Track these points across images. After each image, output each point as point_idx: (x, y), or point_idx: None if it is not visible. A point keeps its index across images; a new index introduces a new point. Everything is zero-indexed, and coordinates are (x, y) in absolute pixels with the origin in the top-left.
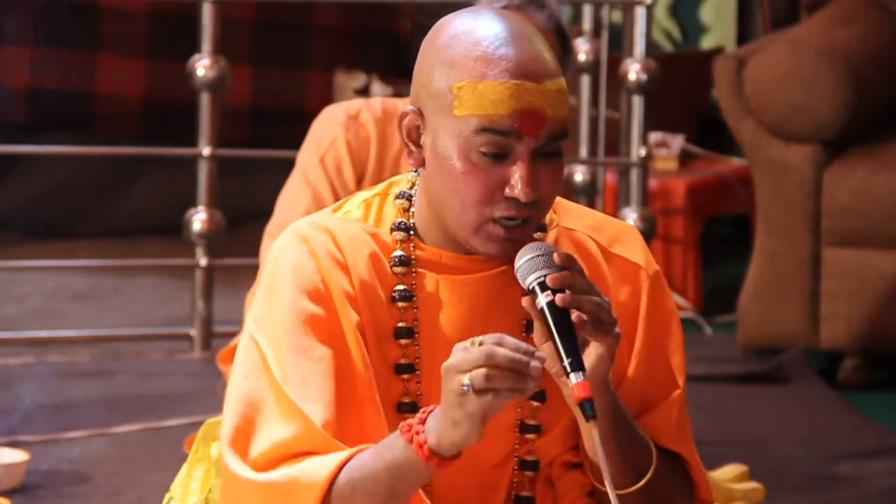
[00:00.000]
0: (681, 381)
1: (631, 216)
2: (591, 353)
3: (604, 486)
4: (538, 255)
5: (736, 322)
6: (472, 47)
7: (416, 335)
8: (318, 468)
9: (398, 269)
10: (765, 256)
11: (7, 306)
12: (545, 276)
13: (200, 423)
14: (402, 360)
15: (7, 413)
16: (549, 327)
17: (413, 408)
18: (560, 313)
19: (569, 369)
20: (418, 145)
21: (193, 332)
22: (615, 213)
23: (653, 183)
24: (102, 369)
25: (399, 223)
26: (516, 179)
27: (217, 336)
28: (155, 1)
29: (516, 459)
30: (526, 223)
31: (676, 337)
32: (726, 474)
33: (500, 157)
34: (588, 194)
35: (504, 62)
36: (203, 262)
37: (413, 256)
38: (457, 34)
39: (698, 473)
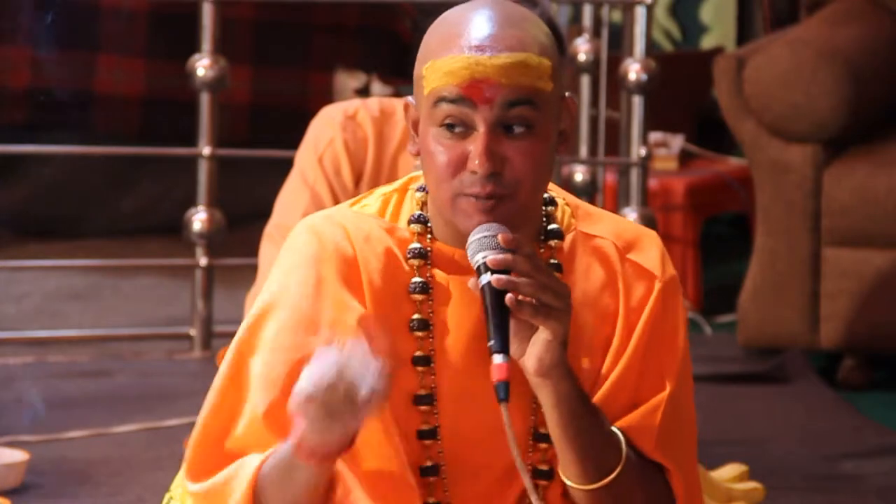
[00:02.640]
0: (669, 386)
1: (631, 216)
2: (539, 339)
3: (567, 479)
4: (486, 236)
5: (736, 322)
6: (441, 32)
7: (432, 327)
8: (242, 474)
9: (415, 262)
10: (765, 256)
11: (7, 306)
12: (489, 256)
13: None
14: (419, 353)
15: (7, 413)
16: (484, 308)
17: (430, 400)
18: (497, 295)
19: (491, 350)
20: (419, 135)
21: (193, 332)
22: (615, 212)
23: (653, 183)
24: (102, 369)
25: (417, 216)
26: (474, 152)
27: (217, 336)
28: (155, 1)
29: (530, 468)
30: (500, 199)
31: (676, 344)
32: (726, 474)
33: (460, 129)
34: (588, 194)
35: (462, 40)
36: (203, 261)
37: (429, 248)
38: (438, 24)
39: (679, 483)
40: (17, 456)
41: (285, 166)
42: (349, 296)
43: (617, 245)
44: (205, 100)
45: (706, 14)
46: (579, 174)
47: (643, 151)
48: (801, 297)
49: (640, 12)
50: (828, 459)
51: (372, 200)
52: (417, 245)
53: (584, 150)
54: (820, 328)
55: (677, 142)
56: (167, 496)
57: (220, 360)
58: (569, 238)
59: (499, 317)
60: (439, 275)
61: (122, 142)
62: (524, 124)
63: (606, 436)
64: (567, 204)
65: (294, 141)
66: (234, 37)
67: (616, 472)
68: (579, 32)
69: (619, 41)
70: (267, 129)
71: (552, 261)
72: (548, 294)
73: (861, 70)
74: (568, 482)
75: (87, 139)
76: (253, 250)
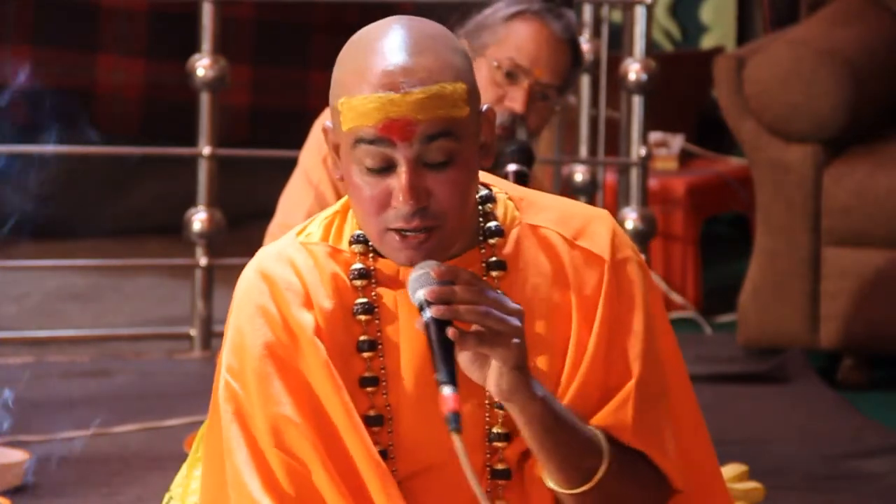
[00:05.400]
0: (636, 370)
1: (631, 216)
2: (494, 367)
3: (553, 485)
4: (423, 273)
5: (736, 322)
6: (351, 63)
7: (380, 347)
8: None
9: (358, 283)
10: (765, 256)
11: (7, 306)
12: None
13: (200, 422)
14: (367, 374)
15: (7, 413)
16: (429, 343)
17: (380, 421)
18: (440, 329)
19: (439, 384)
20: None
21: (193, 331)
22: (615, 212)
23: (653, 182)
24: (102, 369)
25: (357, 236)
26: (397, 189)
27: (217, 336)
28: (155, 1)
29: (488, 470)
30: (429, 232)
31: (637, 326)
32: (726, 474)
33: (385, 170)
34: (588, 194)
35: (372, 76)
36: (203, 261)
37: (373, 268)
38: (349, 50)
39: (668, 465)
40: (17, 456)
41: (285, 166)
42: (311, 340)
43: (563, 234)
44: (205, 100)
45: (706, 14)
46: (579, 174)
47: (643, 151)
48: (801, 297)
49: (640, 12)
50: (828, 459)
51: (315, 228)
52: (359, 265)
53: (584, 150)
54: (820, 328)
55: (677, 142)
56: (167, 496)
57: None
58: (514, 233)
59: (444, 350)
60: (386, 293)
61: (122, 142)
62: (445, 156)
63: (585, 440)
64: (510, 198)
65: (294, 141)
66: (234, 37)
67: (600, 472)
68: (579, 32)
69: (619, 41)
70: (267, 129)
71: (492, 259)
72: (491, 319)
73: (861, 70)
74: (555, 488)
75: (87, 139)
76: (253, 250)
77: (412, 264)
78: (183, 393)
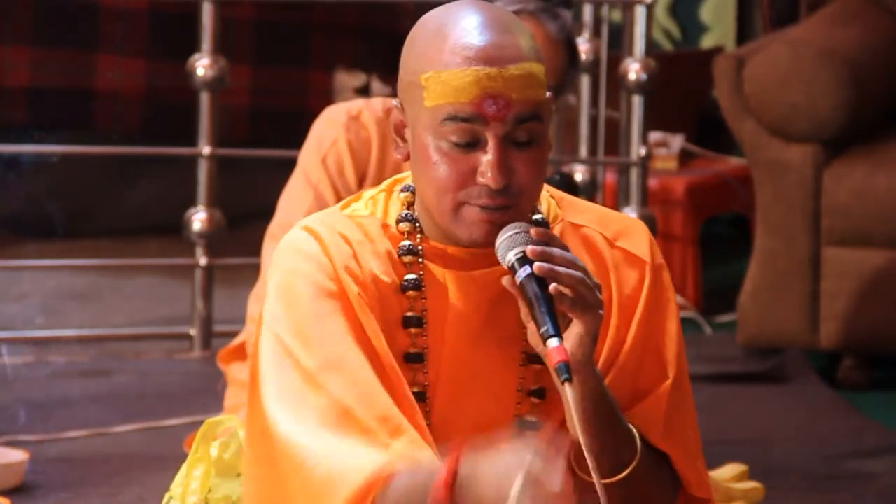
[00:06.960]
0: (671, 373)
1: (631, 216)
2: (572, 334)
3: (582, 472)
4: (517, 233)
5: (736, 322)
6: (438, 38)
7: (426, 325)
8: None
9: (406, 259)
10: (765, 256)
11: (7, 306)
12: (524, 251)
13: (200, 422)
14: (412, 350)
15: (7, 413)
16: (528, 299)
17: (421, 397)
18: (540, 284)
19: (545, 336)
20: (405, 139)
21: (193, 331)
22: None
23: (652, 182)
24: (102, 369)
25: (405, 215)
26: (486, 166)
27: (217, 336)
28: (155, 1)
29: (518, 420)
30: (505, 209)
31: (672, 330)
32: (726, 474)
33: (471, 145)
34: (588, 193)
35: (466, 50)
36: (203, 261)
37: (420, 247)
38: (428, 27)
39: (687, 469)
40: (17, 456)
41: (285, 166)
42: (357, 292)
43: (604, 234)
44: (205, 100)
45: (706, 14)
46: (579, 174)
47: (643, 151)
48: (801, 297)
49: (640, 12)
50: (828, 459)
51: (361, 204)
52: (408, 242)
53: (584, 150)
54: (820, 328)
55: (677, 142)
56: (167, 496)
57: (220, 360)
58: (556, 228)
59: (546, 304)
60: (436, 270)
61: (122, 141)
62: (530, 136)
63: (624, 431)
64: (552, 196)
65: (294, 141)
66: (234, 37)
67: (631, 466)
68: (579, 32)
69: (619, 41)
70: (267, 129)
71: None
72: (584, 286)
73: (861, 70)
74: (584, 475)
75: (87, 139)
76: (253, 250)
77: (486, 240)
78: (183, 393)
